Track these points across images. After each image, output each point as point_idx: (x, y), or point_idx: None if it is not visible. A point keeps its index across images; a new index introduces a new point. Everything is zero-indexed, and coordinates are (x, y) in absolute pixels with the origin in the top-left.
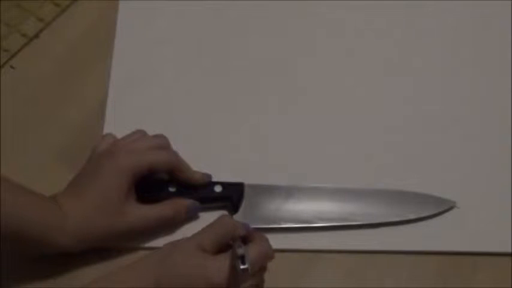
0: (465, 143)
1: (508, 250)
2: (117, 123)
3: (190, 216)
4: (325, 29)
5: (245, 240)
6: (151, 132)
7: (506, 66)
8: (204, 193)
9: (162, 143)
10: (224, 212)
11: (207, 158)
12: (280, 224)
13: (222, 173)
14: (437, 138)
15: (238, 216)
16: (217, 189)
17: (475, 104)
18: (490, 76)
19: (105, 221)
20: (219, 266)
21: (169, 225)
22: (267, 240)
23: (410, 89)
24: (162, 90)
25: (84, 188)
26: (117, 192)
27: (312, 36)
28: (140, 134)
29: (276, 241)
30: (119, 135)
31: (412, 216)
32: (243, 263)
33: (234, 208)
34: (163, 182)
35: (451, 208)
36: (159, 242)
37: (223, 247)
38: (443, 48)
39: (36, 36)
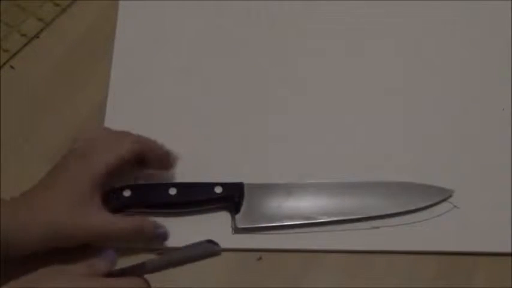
0: (465, 143)
1: (508, 250)
2: (117, 124)
3: (161, 239)
4: (328, 28)
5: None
6: (151, 132)
7: (506, 66)
8: (204, 194)
9: (122, 134)
10: (225, 213)
11: (207, 158)
12: (282, 222)
13: (222, 173)
14: (437, 138)
15: (239, 216)
16: (218, 190)
17: (474, 103)
18: (491, 76)
19: (70, 220)
20: None
21: (136, 238)
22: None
23: (411, 88)
24: (162, 90)
25: (50, 186)
26: (82, 191)
27: (315, 36)
28: (104, 131)
29: (276, 241)
30: None
31: (412, 207)
32: None
33: (235, 208)
34: (162, 185)
35: (449, 197)
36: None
37: None
38: (443, 48)
39: (36, 36)
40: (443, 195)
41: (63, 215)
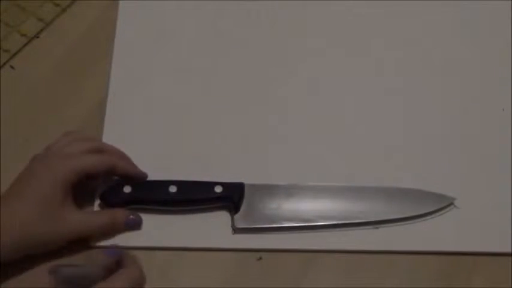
0: (465, 143)
1: (508, 250)
2: (117, 123)
3: (131, 227)
4: (328, 28)
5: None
6: (151, 132)
7: (506, 66)
8: (204, 193)
9: (94, 146)
10: (224, 213)
11: (207, 158)
12: (281, 223)
13: (222, 173)
14: (437, 138)
15: (238, 216)
16: (218, 189)
17: (475, 104)
18: (490, 76)
19: (41, 229)
20: None
21: (112, 232)
22: (138, 267)
23: (410, 88)
24: (162, 90)
25: (17, 196)
26: (51, 199)
27: (315, 36)
28: (72, 137)
29: (276, 241)
30: (119, 135)
31: (412, 213)
32: None
33: (234, 208)
34: (163, 183)
35: (450, 205)
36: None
37: None
38: (443, 48)
39: (36, 36)
40: (444, 203)
41: (33, 223)
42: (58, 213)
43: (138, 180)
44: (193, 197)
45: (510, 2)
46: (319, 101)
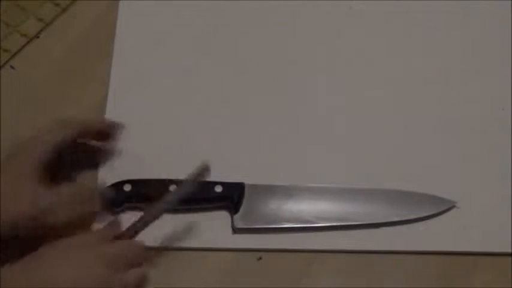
0: (465, 143)
1: (508, 250)
2: None
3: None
4: (329, 29)
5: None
6: (151, 132)
7: (506, 66)
8: (204, 193)
9: (59, 122)
10: (224, 213)
11: (207, 158)
12: (280, 224)
13: (222, 173)
14: (438, 138)
15: (238, 216)
16: (218, 189)
17: (474, 104)
18: (490, 76)
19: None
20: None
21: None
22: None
23: (410, 89)
24: (162, 90)
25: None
26: (26, 177)
27: (315, 36)
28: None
29: (276, 241)
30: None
31: (412, 216)
32: None
33: (234, 208)
34: (163, 182)
35: (451, 208)
36: None
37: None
38: (443, 49)
39: (36, 36)
40: (445, 206)
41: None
42: (28, 192)
43: (114, 136)
44: (193, 196)
45: (510, 2)
46: (320, 102)
